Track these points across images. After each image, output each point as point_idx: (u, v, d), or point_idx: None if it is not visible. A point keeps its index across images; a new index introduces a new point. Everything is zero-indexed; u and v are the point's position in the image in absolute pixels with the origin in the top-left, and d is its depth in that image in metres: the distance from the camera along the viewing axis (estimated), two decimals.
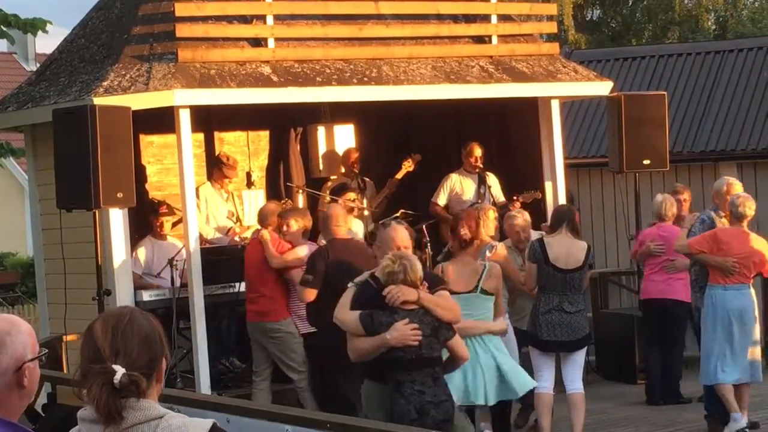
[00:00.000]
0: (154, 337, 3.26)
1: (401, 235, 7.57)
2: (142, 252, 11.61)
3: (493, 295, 8.70)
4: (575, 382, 9.73)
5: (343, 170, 12.95)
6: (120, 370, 3.13)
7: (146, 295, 11.03)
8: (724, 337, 10.02)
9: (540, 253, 9.66)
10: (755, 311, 10.08)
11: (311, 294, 9.59)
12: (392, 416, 6.89)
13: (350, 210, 12.00)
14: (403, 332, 6.91)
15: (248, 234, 11.97)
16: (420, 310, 7.02)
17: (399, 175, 12.90)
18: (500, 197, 12.73)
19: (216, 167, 12.34)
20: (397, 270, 7.00)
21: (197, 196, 11.73)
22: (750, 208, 9.97)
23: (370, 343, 6.98)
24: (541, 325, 9.60)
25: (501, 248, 9.95)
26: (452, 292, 8.25)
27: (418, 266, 7.12)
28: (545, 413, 9.61)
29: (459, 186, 12.81)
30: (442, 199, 12.79)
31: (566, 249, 9.65)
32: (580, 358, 9.84)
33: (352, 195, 12.06)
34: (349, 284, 7.34)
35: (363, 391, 7.37)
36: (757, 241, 10.07)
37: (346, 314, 7.15)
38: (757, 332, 10.11)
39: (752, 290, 10.11)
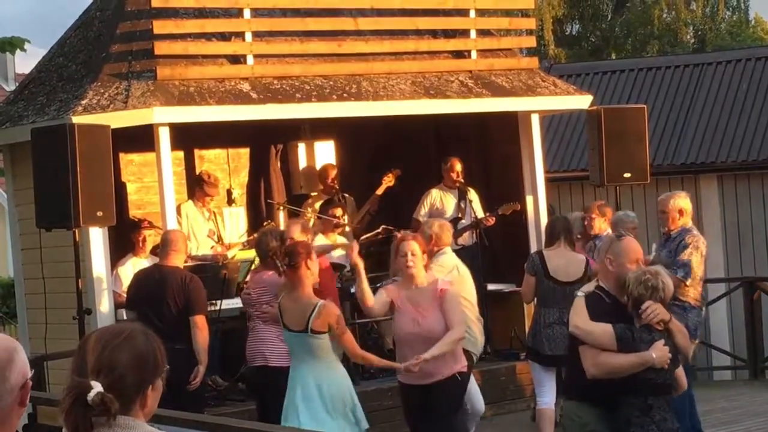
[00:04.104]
0: (147, 358, 3.19)
1: (637, 247, 7.00)
2: (123, 271, 11.54)
3: (324, 333, 8.02)
4: None
5: (321, 187, 12.93)
6: (96, 388, 3.07)
7: (125, 312, 10.97)
8: None
9: (539, 265, 9.57)
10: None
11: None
12: None
13: (336, 226, 11.98)
14: (665, 353, 6.48)
15: (233, 252, 11.95)
16: (665, 333, 6.61)
17: (380, 191, 12.88)
18: (480, 213, 12.72)
19: (197, 185, 12.30)
20: (660, 287, 6.57)
21: (179, 213, 11.70)
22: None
23: (629, 360, 6.45)
24: (542, 339, 9.47)
25: None
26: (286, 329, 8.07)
27: (672, 287, 6.75)
28: (548, 428, 9.44)
29: (439, 201, 12.80)
30: (423, 214, 12.78)
31: (565, 261, 9.57)
32: None
33: (339, 211, 12.04)
34: (578, 293, 6.88)
35: (573, 413, 6.83)
36: None
37: (591, 325, 6.61)
38: None
39: None
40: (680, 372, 6.70)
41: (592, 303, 6.67)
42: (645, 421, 6.44)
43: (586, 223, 11.28)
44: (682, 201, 9.81)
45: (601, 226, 11.21)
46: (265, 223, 12.51)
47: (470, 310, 9.26)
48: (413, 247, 8.34)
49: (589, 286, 6.93)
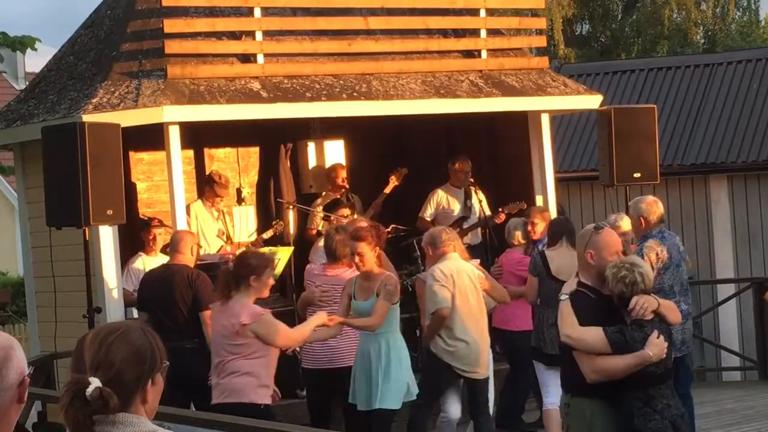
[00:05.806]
0: (144, 354, 3.18)
1: (617, 238, 6.89)
2: (134, 268, 11.56)
3: None
4: None
5: (330, 186, 12.93)
6: (95, 383, 3.08)
7: (137, 313, 10.98)
8: None
9: (542, 266, 9.58)
10: None
11: None
12: None
13: None
14: (661, 346, 6.43)
15: (242, 251, 11.94)
16: (656, 319, 6.54)
17: (387, 190, 12.88)
18: (487, 211, 12.71)
19: (208, 185, 12.32)
20: (639, 280, 6.48)
21: (188, 213, 11.71)
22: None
23: (626, 362, 6.40)
24: (545, 339, 9.45)
25: None
26: None
27: (651, 273, 6.69)
28: (554, 429, 9.42)
29: (446, 201, 12.81)
30: (429, 214, 12.78)
31: (568, 262, 9.51)
32: None
33: (346, 211, 12.03)
34: (561, 296, 6.75)
35: (577, 409, 6.69)
36: None
37: (583, 331, 6.50)
38: None
39: None
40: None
41: (578, 304, 6.59)
42: (647, 411, 6.40)
43: (528, 228, 11.09)
44: (643, 206, 9.48)
45: (544, 230, 10.96)
46: (274, 223, 12.54)
47: (468, 320, 9.35)
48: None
49: (571, 285, 6.80)
